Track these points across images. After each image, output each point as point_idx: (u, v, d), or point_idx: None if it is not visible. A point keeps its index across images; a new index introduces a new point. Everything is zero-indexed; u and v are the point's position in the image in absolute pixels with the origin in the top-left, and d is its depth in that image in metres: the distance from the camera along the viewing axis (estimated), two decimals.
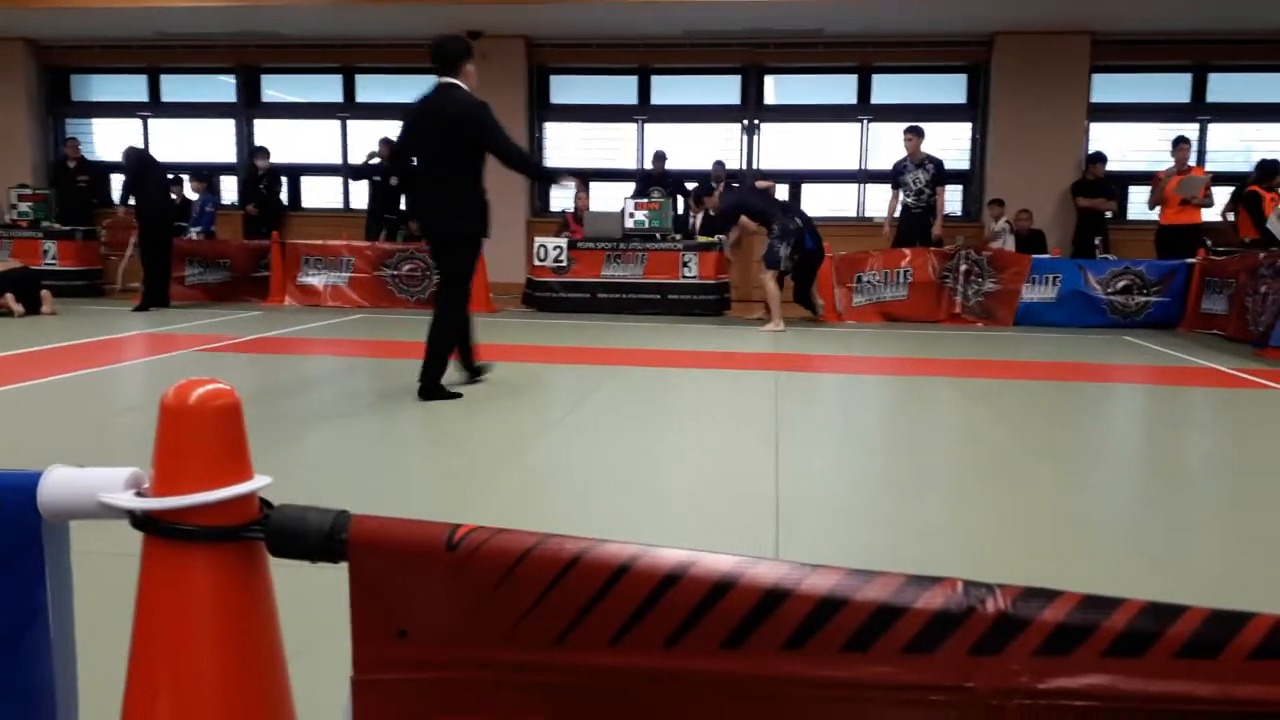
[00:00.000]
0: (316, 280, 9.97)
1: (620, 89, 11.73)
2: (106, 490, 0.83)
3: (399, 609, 0.80)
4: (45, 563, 0.87)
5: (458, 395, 4.82)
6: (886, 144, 11.17)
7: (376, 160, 10.73)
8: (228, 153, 12.46)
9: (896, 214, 9.47)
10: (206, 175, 11.50)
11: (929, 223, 9.35)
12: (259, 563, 0.85)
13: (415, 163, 4.80)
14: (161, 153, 12.41)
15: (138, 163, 9.09)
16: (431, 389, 4.77)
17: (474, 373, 5.20)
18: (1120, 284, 8.89)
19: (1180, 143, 9.50)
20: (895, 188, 9.50)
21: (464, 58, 4.78)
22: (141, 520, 0.81)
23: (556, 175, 5.75)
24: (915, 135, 9.34)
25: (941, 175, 9.37)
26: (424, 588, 0.79)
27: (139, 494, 0.82)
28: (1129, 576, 2.57)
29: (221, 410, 0.82)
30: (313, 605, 1.82)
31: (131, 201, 9.06)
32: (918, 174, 9.27)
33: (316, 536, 0.81)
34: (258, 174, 11.39)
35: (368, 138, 11.33)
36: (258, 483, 0.84)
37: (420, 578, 0.79)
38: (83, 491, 0.84)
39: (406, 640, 0.80)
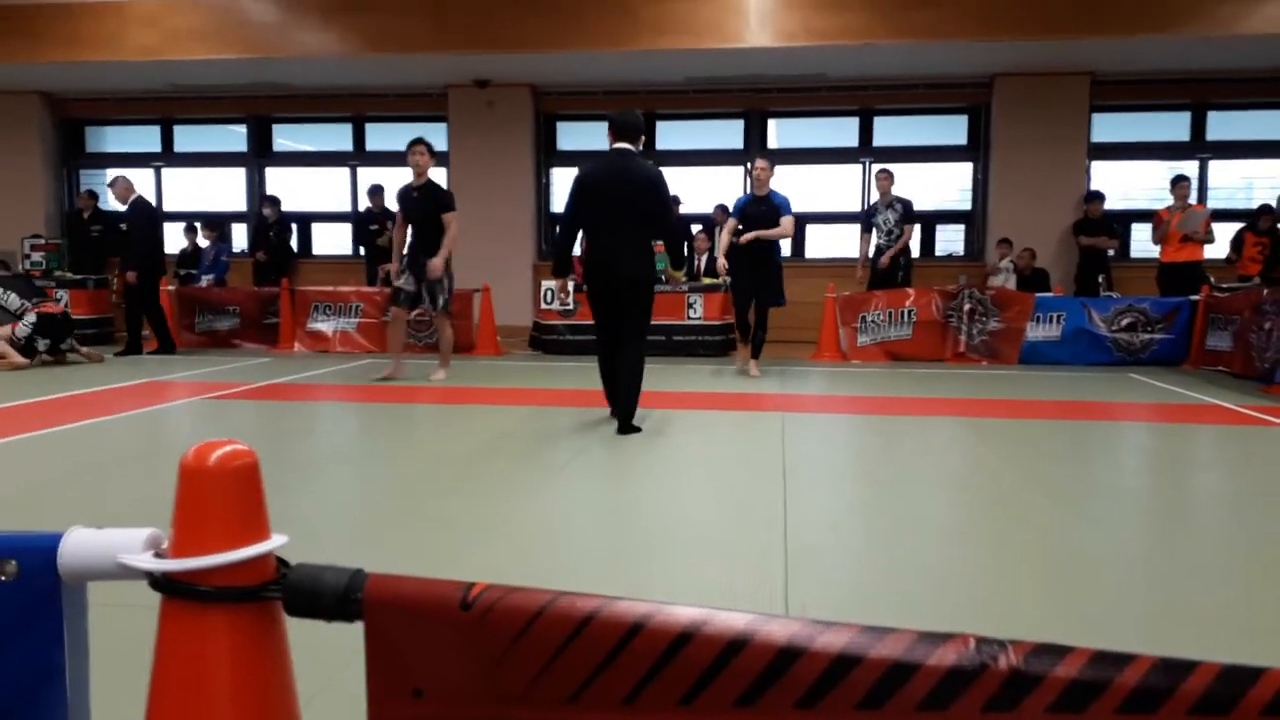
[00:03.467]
0: (326, 326, 10.04)
1: None
2: (126, 551, 0.84)
3: (414, 668, 0.81)
4: (63, 624, 0.88)
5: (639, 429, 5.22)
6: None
7: (375, 227, 10.93)
8: (239, 201, 12.63)
9: (870, 255, 9.52)
10: (219, 224, 11.65)
11: (898, 263, 9.39)
12: (275, 621, 0.86)
13: (592, 217, 5.29)
14: (174, 201, 12.64)
15: (155, 212, 9.36)
16: (632, 425, 5.22)
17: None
18: (1124, 321, 8.90)
19: (1179, 181, 9.58)
20: (866, 230, 9.56)
21: (643, 130, 5.38)
22: (160, 581, 0.82)
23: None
24: (886, 177, 9.47)
25: (910, 214, 9.43)
26: (439, 647, 0.80)
27: (158, 555, 0.83)
28: (1140, 621, 2.54)
29: (240, 471, 0.84)
30: (326, 657, 1.81)
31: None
32: (887, 215, 9.37)
33: (332, 596, 0.82)
34: (267, 222, 11.53)
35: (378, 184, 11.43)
36: (274, 542, 0.85)
37: (435, 637, 0.80)
38: (102, 553, 0.85)
39: (422, 700, 0.81)
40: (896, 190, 9.47)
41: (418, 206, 7.19)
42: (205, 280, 10.92)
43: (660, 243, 5.83)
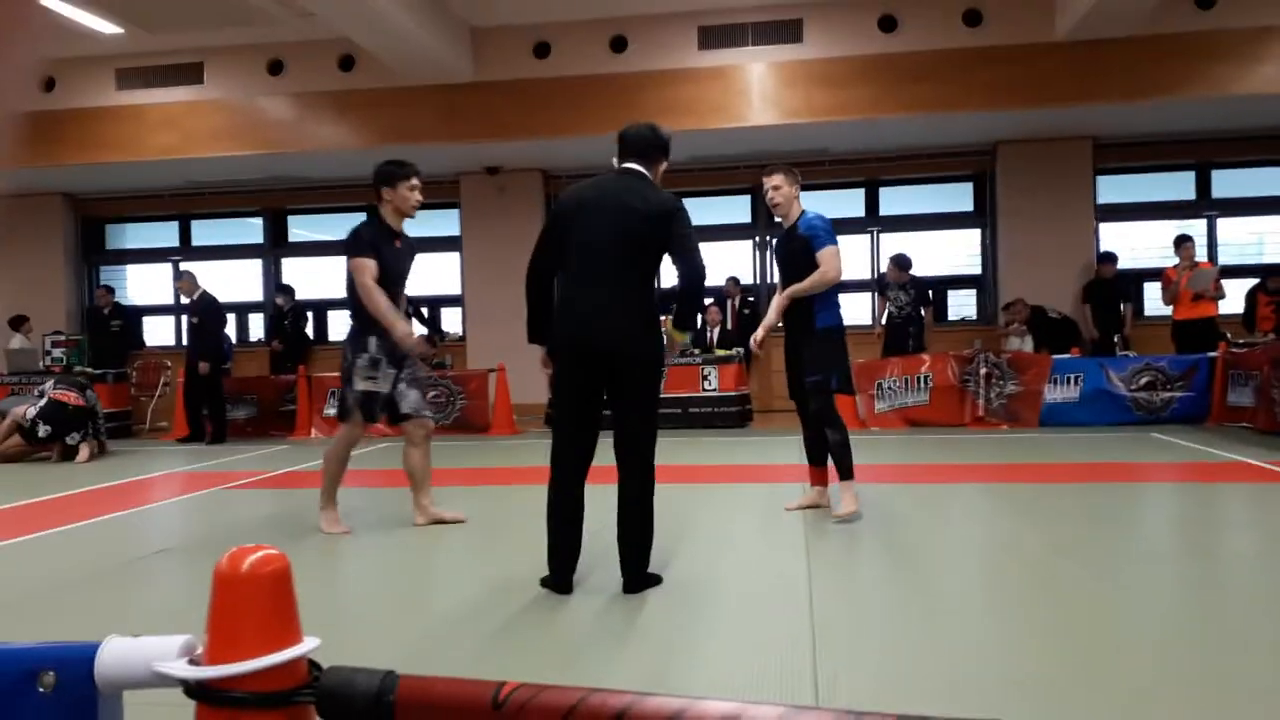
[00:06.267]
0: None
1: None
2: (161, 659, 0.85)
3: None
4: None
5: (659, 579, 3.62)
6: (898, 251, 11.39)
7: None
8: (256, 291, 12.85)
9: (883, 320, 10.37)
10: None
11: (908, 332, 10.13)
12: None
13: (567, 255, 3.49)
14: None
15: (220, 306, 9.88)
16: (646, 575, 3.55)
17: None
18: (1143, 380, 8.85)
19: (1183, 241, 9.54)
20: (881, 294, 10.57)
21: (664, 153, 3.61)
22: (195, 689, 0.82)
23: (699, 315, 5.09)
24: (895, 266, 10.22)
25: (924, 296, 10.25)
26: None
27: (192, 661, 0.84)
28: (1178, 693, 2.48)
29: (272, 576, 0.85)
30: None
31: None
32: (898, 293, 10.22)
33: (365, 699, 0.82)
34: (282, 310, 11.71)
35: None
36: (307, 646, 0.86)
37: None
38: (138, 661, 0.86)
39: None
40: (910, 255, 10.24)
41: (406, 262, 4.94)
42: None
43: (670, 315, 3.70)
